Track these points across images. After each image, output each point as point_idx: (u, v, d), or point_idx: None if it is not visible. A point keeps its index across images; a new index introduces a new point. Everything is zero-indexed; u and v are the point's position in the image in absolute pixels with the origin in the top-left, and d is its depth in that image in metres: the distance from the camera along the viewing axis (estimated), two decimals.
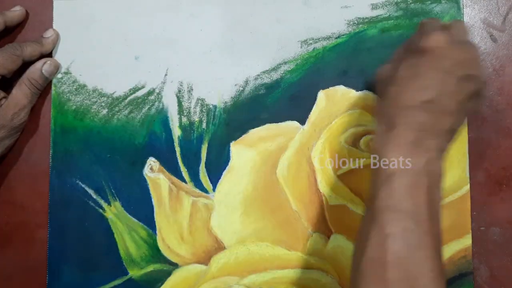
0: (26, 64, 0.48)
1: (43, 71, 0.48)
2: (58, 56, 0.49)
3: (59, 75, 0.49)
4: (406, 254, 0.34)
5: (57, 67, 0.49)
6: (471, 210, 0.47)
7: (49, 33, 0.49)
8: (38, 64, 0.48)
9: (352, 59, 0.48)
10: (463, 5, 0.48)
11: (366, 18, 0.48)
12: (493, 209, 0.47)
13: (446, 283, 0.45)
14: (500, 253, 0.46)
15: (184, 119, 0.48)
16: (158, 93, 0.49)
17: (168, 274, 0.48)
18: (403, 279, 0.33)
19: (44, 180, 0.48)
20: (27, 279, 0.48)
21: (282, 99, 0.48)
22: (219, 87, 0.48)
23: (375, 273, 0.34)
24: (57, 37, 0.49)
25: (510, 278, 0.46)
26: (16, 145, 0.47)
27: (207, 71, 0.49)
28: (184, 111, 0.48)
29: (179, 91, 0.49)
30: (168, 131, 0.48)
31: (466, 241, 0.46)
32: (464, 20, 0.48)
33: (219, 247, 0.48)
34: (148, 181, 0.48)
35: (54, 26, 0.49)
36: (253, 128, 0.48)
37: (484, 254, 0.46)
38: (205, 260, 0.48)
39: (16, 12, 0.49)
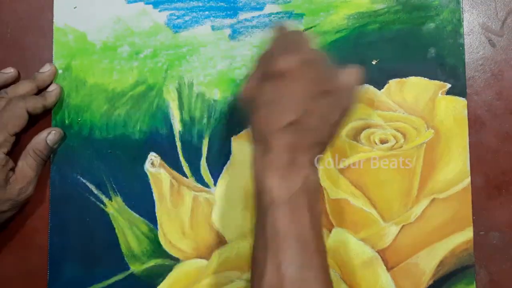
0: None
1: (48, 141, 0.47)
2: (59, 52, 0.49)
3: (60, 71, 0.49)
4: (299, 277, 0.35)
5: (61, 136, 0.48)
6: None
7: (52, 87, 0.48)
8: (43, 134, 0.47)
9: (352, 54, 0.48)
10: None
11: (366, 12, 0.48)
12: (492, 213, 0.47)
13: (446, 276, 0.46)
14: (500, 258, 0.46)
15: (185, 114, 0.48)
16: (159, 88, 0.49)
17: (170, 269, 0.47)
18: None
19: (45, 175, 0.48)
20: (28, 274, 0.48)
21: None
22: (219, 82, 0.49)
23: None
24: (60, 91, 0.48)
25: (510, 282, 0.46)
26: (17, 140, 0.47)
27: (208, 66, 0.49)
28: (185, 106, 0.49)
29: (180, 86, 0.49)
30: (169, 126, 0.48)
31: (468, 234, 0.46)
32: (463, 25, 0.48)
33: (221, 241, 0.47)
34: (149, 176, 0.48)
35: (55, 23, 0.49)
36: None
37: (483, 258, 0.46)
38: (207, 255, 0.47)
39: (46, 73, 0.48)
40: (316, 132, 0.39)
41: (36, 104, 0.47)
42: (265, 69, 0.39)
